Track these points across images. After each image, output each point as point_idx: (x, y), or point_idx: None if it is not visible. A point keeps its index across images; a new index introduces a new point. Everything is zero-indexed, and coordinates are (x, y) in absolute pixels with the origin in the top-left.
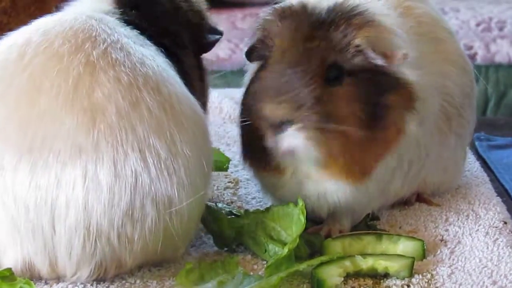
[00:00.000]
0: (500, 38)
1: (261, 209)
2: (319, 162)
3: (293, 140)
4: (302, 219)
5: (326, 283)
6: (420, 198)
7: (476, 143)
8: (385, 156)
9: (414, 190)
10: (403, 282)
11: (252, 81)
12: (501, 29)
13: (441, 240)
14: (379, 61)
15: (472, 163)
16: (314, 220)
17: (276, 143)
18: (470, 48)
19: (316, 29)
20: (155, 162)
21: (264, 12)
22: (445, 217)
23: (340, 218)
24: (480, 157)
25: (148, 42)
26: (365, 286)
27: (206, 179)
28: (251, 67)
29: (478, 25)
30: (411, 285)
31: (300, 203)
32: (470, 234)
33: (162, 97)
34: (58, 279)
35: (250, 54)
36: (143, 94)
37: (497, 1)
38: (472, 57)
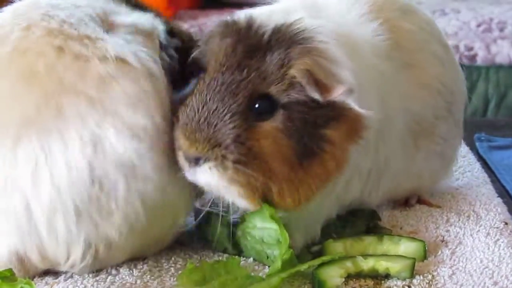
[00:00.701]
0: (500, 39)
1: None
2: (239, 200)
3: (207, 177)
4: (275, 218)
5: (327, 284)
6: (420, 200)
7: (477, 144)
8: (325, 185)
9: (381, 198)
10: (404, 283)
11: (188, 96)
12: (501, 30)
13: (442, 241)
14: (316, 95)
15: (472, 164)
16: None
17: (192, 176)
18: (471, 49)
19: (252, 55)
20: (99, 113)
21: (215, 23)
22: (446, 217)
23: (292, 233)
24: (480, 158)
25: None
26: (366, 287)
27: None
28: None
29: (478, 26)
30: (412, 286)
31: (265, 207)
32: (471, 235)
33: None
34: (57, 274)
35: (192, 66)
36: (66, 41)
37: (498, 2)
38: (473, 58)
